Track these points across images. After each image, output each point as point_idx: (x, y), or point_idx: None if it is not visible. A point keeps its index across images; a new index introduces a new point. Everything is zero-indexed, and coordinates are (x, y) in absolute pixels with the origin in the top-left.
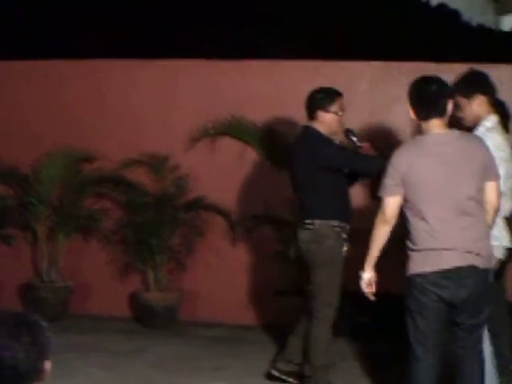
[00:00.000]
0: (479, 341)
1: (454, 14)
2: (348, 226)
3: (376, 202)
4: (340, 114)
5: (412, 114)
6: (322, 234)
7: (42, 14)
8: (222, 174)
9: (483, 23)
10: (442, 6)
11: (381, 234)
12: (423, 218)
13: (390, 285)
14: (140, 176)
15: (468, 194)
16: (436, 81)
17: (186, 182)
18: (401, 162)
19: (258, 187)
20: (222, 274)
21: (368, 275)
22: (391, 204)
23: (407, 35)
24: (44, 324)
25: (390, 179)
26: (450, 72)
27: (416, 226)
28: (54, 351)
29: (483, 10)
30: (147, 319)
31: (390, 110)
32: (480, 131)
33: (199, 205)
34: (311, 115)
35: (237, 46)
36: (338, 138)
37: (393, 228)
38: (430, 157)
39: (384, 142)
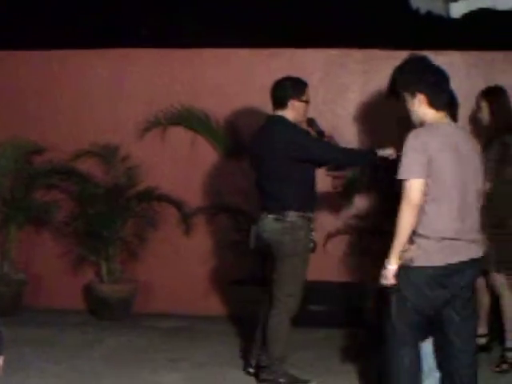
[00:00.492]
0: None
1: (403, 2)
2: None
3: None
4: (309, 102)
5: (418, 102)
6: (297, 226)
7: None
8: (174, 164)
9: (431, 10)
10: None
11: (409, 221)
12: (440, 206)
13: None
14: (91, 167)
15: (477, 186)
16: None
17: (137, 172)
18: (425, 146)
19: (210, 177)
20: (176, 264)
21: (394, 267)
22: (418, 186)
23: (357, 23)
24: None
25: (415, 161)
26: (401, 59)
27: (432, 213)
28: (7, 346)
29: None
30: (101, 311)
31: (343, 98)
32: None
33: (151, 195)
34: (282, 103)
35: (189, 34)
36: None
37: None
38: (448, 146)
39: (336, 130)
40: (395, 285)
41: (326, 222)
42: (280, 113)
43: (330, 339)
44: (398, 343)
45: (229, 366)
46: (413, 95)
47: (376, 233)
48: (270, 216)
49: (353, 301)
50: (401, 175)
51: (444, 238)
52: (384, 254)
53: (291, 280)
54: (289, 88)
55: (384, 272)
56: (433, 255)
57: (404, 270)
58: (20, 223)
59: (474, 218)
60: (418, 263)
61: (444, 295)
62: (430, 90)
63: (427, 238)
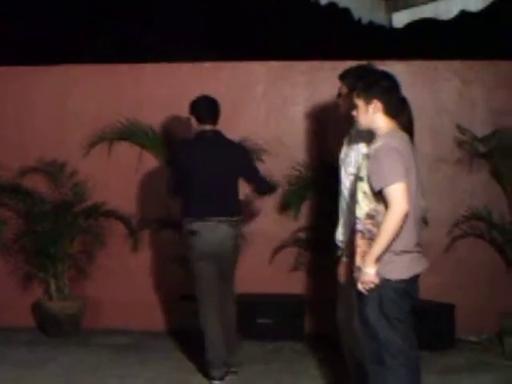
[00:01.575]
0: None
1: (345, 13)
2: None
3: None
4: None
5: (375, 109)
6: (241, 229)
7: None
8: (121, 179)
9: (374, 21)
10: (332, 5)
11: (396, 228)
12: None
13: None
14: (38, 184)
15: (419, 198)
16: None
17: (83, 188)
18: (399, 154)
19: (156, 191)
20: (124, 280)
21: (373, 271)
22: (405, 191)
23: (300, 35)
24: None
25: (397, 165)
26: (341, 69)
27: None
28: None
29: (373, 7)
30: (51, 329)
31: (287, 110)
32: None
33: (98, 211)
34: (218, 120)
35: (132, 49)
36: None
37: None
38: (410, 158)
39: (279, 143)
40: (373, 289)
41: (273, 235)
42: (217, 128)
43: (278, 352)
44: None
45: (178, 382)
46: (367, 101)
47: (321, 246)
48: (227, 223)
49: (298, 313)
50: (385, 181)
51: (409, 251)
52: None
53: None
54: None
55: (361, 277)
56: (403, 269)
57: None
58: None
59: (419, 231)
60: (389, 277)
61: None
62: (385, 97)
63: (394, 252)
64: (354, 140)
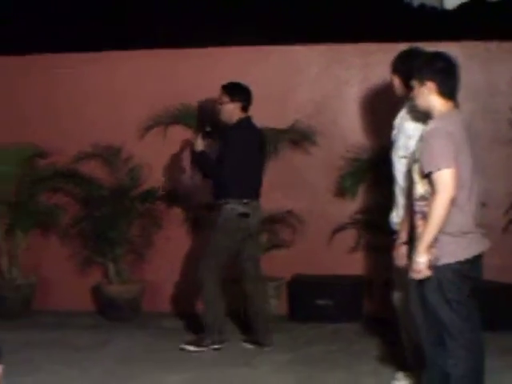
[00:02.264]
0: None
1: None
2: None
3: None
4: None
5: (429, 90)
6: None
7: None
8: (176, 162)
9: (425, 3)
10: None
11: (444, 214)
12: (462, 199)
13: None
14: (94, 169)
15: (478, 180)
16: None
17: (139, 172)
18: (451, 136)
19: None
20: (181, 263)
21: (425, 260)
22: (453, 176)
23: (351, 18)
24: None
25: (446, 150)
26: (394, 52)
27: (459, 207)
28: (18, 349)
29: None
30: (110, 312)
31: (341, 93)
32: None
33: (154, 195)
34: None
35: (186, 33)
36: None
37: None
38: (465, 139)
39: (334, 126)
40: (428, 278)
41: (332, 216)
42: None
43: (337, 333)
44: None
45: (236, 365)
46: (421, 83)
47: (379, 227)
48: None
49: (357, 294)
50: (433, 165)
51: (466, 233)
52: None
53: None
54: None
55: (413, 265)
56: (461, 250)
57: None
58: (26, 227)
59: (477, 212)
60: (443, 261)
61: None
62: (439, 78)
63: (451, 234)
64: (402, 122)
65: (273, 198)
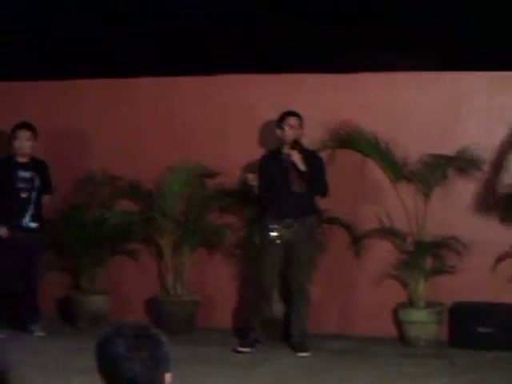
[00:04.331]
0: None
1: None
2: None
3: None
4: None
5: None
6: None
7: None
8: (344, 186)
9: None
10: None
11: None
12: None
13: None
14: None
15: None
16: None
17: None
18: None
19: (378, 199)
20: (345, 286)
21: None
22: None
23: None
24: (163, 338)
25: None
26: None
27: None
28: (180, 364)
29: None
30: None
31: (508, 120)
32: None
33: (321, 218)
34: None
35: (353, 59)
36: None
37: None
38: None
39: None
40: None
41: (495, 243)
42: None
43: (498, 362)
44: None
45: None
46: None
47: None
48: None
49: None
50: None
51: None
52: None
53: None
54: None
55: None
56: None
57: None
58: (193, 245)
59: None
60: None
61: None
62: None
63: None
64: None
65: (437, 223)
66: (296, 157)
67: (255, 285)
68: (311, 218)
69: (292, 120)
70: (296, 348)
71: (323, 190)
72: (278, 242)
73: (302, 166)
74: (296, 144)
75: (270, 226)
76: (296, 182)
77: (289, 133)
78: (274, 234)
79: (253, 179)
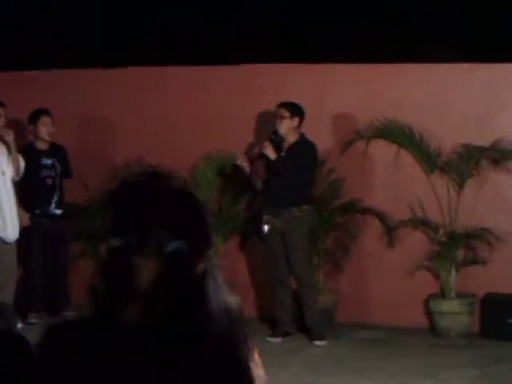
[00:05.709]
0: None
1: None
2: None
3: None
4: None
5: None
6: None
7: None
8: (377, 177)
9: None
10: None
11: None
12: None
13: None
14: None
15: None
16: None
17: (340, 185)
18: None
19: (412, 190)
20: (378, 276)
21: None
22: None
23: None
24: None
25: None
26: None
27: None
28: None
29: None
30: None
31: None
32: None
33: (355, 208)
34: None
35: (392, 49)
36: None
37: None
38: None
39: None
40: None
41: None
42: None
43: None
44: None
45: (422, 377)
46: None
47: None
48: None
49: None
50: None
51: None
52: None
53: None
54: None
55: None
56: None
57: None
58: (226, 234)
59: None
60: None
61: None
62: None
63: None
64: None
65: (470, 214)
66: (266, 147)
67: (270, 275)
68: (302, 208)
69: (279, 111)
70: (312, 337)
71: (285, 169)
72: (267, 229)
73: (272, 156)
74: (273, 134)
75: (264, 217)
76: (267, 171)
77: (279, 123)
78: (265, 226)
79: (242, 161)
